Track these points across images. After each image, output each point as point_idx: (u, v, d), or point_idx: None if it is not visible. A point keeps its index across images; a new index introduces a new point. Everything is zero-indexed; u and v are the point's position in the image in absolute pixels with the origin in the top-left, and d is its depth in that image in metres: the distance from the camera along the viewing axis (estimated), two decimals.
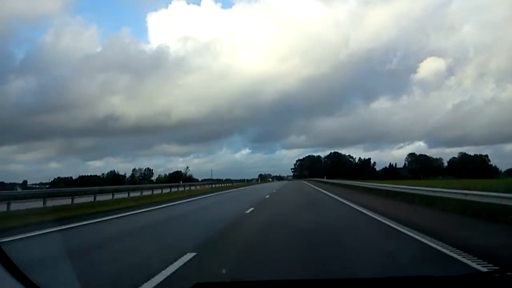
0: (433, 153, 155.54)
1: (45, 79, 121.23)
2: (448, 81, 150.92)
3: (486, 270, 4.63)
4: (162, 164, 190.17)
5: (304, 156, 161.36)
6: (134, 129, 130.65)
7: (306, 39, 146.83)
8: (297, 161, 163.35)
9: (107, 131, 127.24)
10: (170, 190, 35.50)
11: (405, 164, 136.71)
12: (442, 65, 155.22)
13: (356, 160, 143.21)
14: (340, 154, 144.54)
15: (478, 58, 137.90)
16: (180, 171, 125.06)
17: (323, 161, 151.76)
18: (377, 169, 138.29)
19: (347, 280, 1.72)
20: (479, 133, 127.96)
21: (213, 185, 55.92)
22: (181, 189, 39.94)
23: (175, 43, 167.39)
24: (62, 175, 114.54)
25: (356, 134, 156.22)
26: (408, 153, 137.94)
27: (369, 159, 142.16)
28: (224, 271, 5.08)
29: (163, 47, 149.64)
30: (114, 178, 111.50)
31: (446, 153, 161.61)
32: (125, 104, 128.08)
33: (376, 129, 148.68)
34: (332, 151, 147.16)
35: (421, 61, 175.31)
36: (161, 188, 35.43)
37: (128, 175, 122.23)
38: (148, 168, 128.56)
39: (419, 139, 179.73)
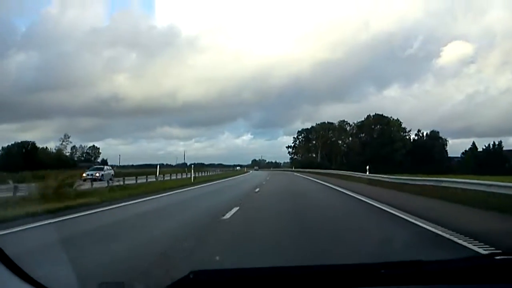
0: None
1: (47, 54, 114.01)
2: (468, 69, 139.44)
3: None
4: (162, 147, 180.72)
5: (312, 126, 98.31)
6: (137, 110, 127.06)
7: (324, 21, 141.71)
8: (299, 132, 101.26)
9: (110, 112, 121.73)
10: None
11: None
12: (469, 50, 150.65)
13: (413, 135, 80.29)
14: (387, 119, 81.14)
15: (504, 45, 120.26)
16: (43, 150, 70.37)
17: (350, 133, 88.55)
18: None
19: (336, 266, 1.80)
20: (489, 124, 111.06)
21: None
22: None
23: (186, 21, 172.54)
24: None
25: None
26: None
27: (437, 133, 78.69)
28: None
29: (174, 24, 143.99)
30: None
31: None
32: (130, 83, 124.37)
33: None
34: (372, 114, 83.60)
35: (445, 44, 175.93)
36: None
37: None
38: (93, 145, 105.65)
39: (424, 129, 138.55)
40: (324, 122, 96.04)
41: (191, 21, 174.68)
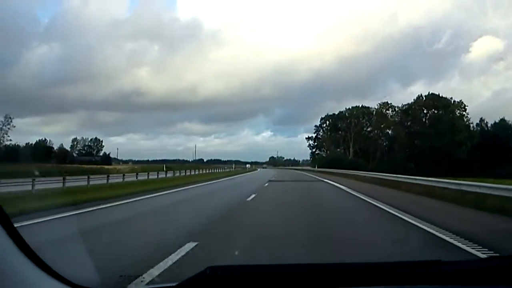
0: None
1: (69, 46, 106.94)
2: (497, 65, 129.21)
3: None
4: (182, 143, 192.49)
5: (340, 111, 79.14)
6: (158, 105, 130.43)
7: (349, 13, 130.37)
8: (323, 119, 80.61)
9: (131, 106, 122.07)
10: None
11: None
12: (499, 45, 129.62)
13: (483, 124, 62.29)
14: (446, 100, 63.53)
15: None
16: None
17: (392, 120, 70.50)
18: None
19: (354, 264, 1.79)
20: None
21: None
22: None
23: (208, 13, 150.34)
24: None
25: None
26: None
27: (509, 124, 60.69)
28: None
29: (196, 16, 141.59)
30: (40, 151, 74.35)
31: None
32: (151, 77, 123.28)
33: None
34: (426, 93, 65.94)
35: (475, 40, 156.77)
36: None
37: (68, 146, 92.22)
38: (96, 138, 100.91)
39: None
40: (357, 106, 73.53)
41: (214, 13, 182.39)
